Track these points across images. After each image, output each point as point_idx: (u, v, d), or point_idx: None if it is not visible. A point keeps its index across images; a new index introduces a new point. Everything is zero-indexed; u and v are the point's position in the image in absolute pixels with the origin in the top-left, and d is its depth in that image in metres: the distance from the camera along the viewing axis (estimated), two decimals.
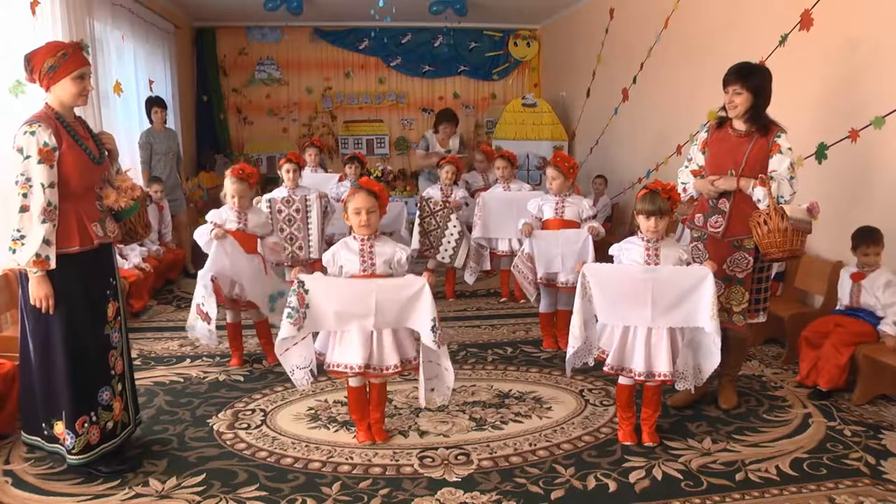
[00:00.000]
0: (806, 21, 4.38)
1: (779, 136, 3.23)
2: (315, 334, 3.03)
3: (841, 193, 4.15)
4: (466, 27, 9.34)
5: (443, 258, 5.30)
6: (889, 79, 3.76)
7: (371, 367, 2.95)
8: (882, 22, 3.81)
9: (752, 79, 3.19)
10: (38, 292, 2.69)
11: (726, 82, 3.25)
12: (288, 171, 4.88)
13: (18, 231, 2.64)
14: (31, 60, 2.76)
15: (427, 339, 2.89)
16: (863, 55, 3.96)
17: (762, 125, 3.24)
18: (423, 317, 2.90)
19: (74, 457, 2.78)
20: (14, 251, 2.64)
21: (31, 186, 2.63)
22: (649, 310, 2.91)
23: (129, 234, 3.09)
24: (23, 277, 2.80)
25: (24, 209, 2.63)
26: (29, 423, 2.93)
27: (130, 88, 6.33)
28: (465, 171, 6.54)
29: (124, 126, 6.07)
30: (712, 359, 2.96)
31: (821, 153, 4.29)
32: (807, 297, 4.46)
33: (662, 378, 2.95)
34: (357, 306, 2.90)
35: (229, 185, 3.89)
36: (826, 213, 4.30)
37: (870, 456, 2.98)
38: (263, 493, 2.71)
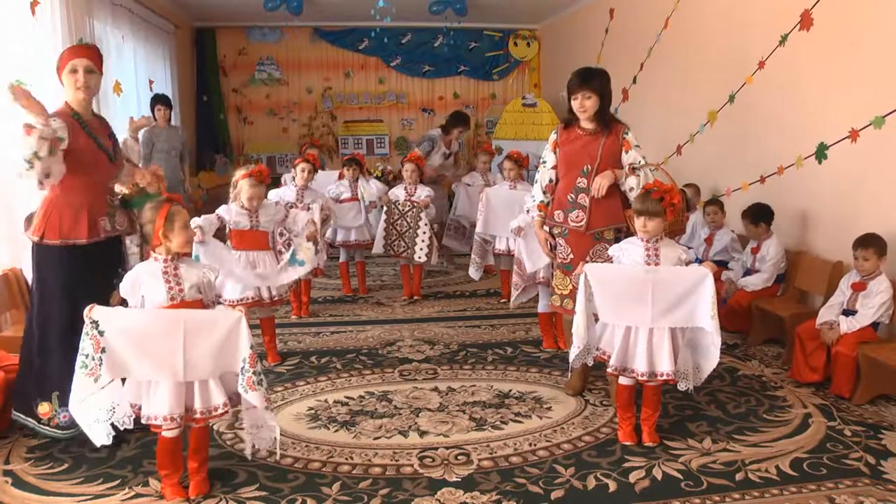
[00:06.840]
0: (806, 21, 4.38)
1: (626, 134, 3.49)
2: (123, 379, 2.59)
3: (841, 194, 4.16)
4: (466, 27, 9.33)
5: (419, 258, 5.34)
6: (889, 79, 3.76)
7: (193, 411, 2.57)
8: (882, 22, 3.81)
9: (595, 83, 3.43)
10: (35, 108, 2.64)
11: (573, 90, 3.45)
12: (303, 171, 4.87)
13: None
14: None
15: (239, 382, 2.54)
16: (863, 55, 3.96)
17: (607, 122, 3.48)
18: (238, 356, 2.53)
19: (59, 431, 2.97)
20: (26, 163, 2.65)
21: (39, 158, 2.65)
22: (649, 310, 2.91)
23: (132, 224, 3.16)
24: (35, 259, 2.92)
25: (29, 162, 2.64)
26: (20, 401, 3.04)
27: (130, 88, 6.33)
28: (465, 172, 6.55)
29: (124, 126, 6.05)
30: (711, 358, 2.97)
31: (821, 153, 4.29)
32: (807, 297, 4.46)
33: (665, 377, 2.96)
34: (163, 346, 2.46)
35: (247, 189, 3.83)
36: (826, 214, 4.34)
37: (870, 456, 2.98)
38: (263, 493, 2.71)
